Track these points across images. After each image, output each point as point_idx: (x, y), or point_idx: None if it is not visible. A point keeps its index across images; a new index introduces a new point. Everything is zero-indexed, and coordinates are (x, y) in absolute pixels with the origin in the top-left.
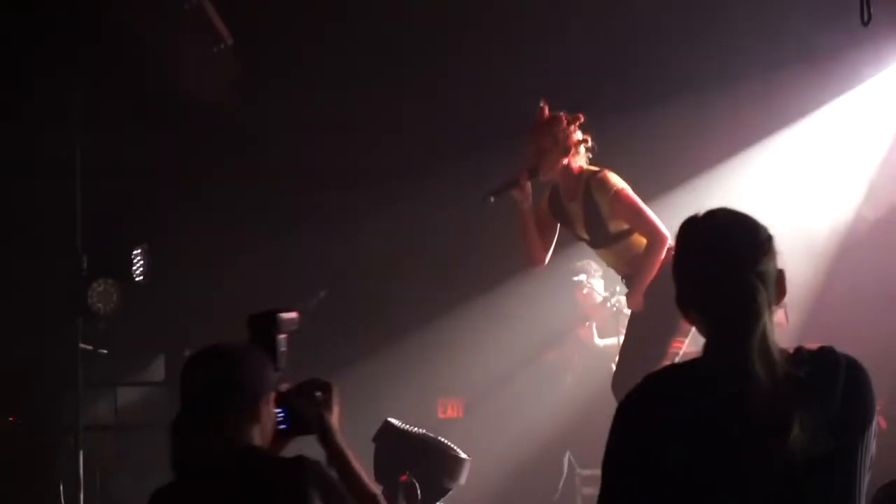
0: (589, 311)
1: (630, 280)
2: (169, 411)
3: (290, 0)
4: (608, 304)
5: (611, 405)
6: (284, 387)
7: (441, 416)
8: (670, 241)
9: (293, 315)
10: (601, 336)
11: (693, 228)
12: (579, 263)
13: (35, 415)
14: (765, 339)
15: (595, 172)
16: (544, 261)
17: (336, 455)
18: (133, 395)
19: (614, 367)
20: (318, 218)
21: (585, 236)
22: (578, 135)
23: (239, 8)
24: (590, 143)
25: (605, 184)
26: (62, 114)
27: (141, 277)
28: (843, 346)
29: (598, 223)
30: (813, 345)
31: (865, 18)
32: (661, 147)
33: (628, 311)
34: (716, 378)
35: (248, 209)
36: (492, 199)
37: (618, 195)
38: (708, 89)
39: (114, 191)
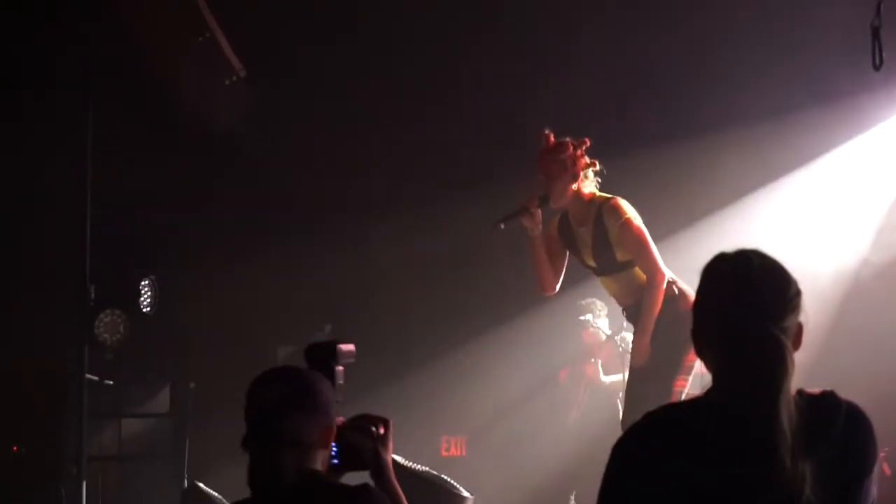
0: (594, 350)
1: (631, 311)
2: (173, 442)
3: (303, 32)
4: (615, 341)
5: None
6: (338, 420)
7: (444, 454)
8: (669, 275)
9: (351, 347)
10: (606, 373)
11: (724, 268)
12: (584, 302)
13: (39, 444)
14: (788, 391)
15: (607, 199)
16: (555, 287)
17: (390, 493)
18: (137, 426)
19: (620, 405)
20: (326, 251)
21: (592, 263)
22: (586, 159)
23: (252, 40)
24: (598, 167)
25: (616, 210)
26: (73, 141)
27: (148, 309)
28: (848, 391)
29: (605, 250)
30: (815, 389)
31: (877, 63)
32: (672, 187)
33: (629, 347)
34: (734, 422)
35: (257, 240)
36: (502, 226)
37: (627, 224)
38: (719, 130)
39: (123, 220)
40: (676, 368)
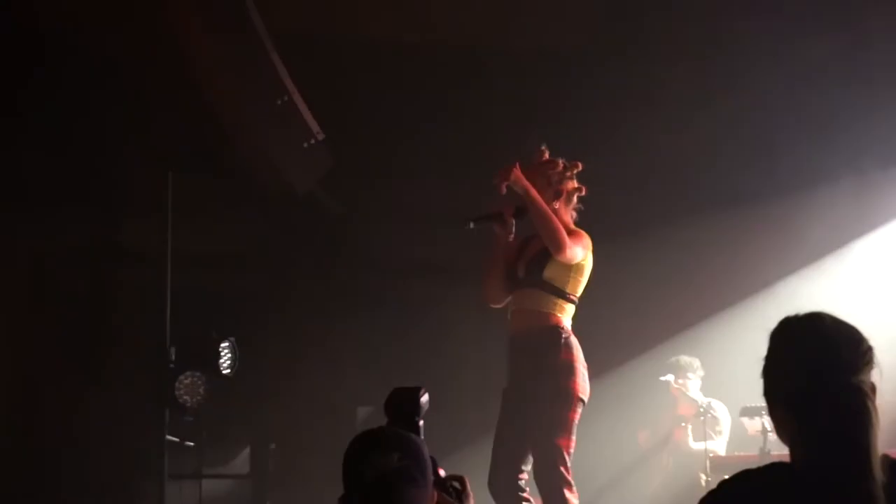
0: (682, 410)
1: (519, 343)
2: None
3: (381, 97)
4: (700, 411)
5: None
6: None
7: None
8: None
9: (427, 398)
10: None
11: (797, 328)
12: (684, 359)
13: None
14: (877, 450)
15: (579, 231)
16: (501, 301)
17: None
18: (218, 487)
19: (703, 476)
20: (404, 312)
21: (521, 273)
22: (574, 183)
23: (330, 103)
24: (584, 193)
25: (575, 231)
26: (155, 203)
27: (228, 371)
28: None
29: (538, 262)
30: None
31: None
32: (741, 253)
33: (717, 417)
34: (826, 487)
35: (335, 302)
36: (471, 225)
37: (576, 233)
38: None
39: (203, 282)
40: (561, 425)
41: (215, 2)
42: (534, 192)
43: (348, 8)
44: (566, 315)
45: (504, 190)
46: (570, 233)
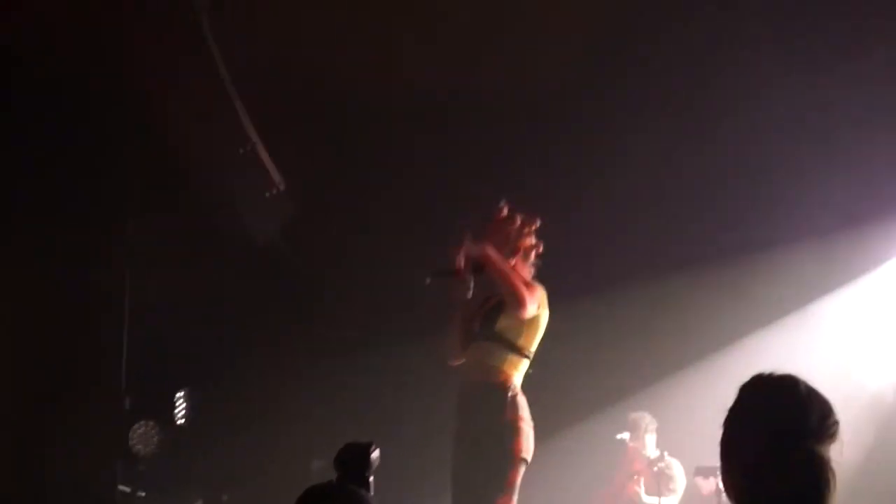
0: (636, 466)
1: (467, 395)
2: None
3: (343, 149)
4: (654, 467)
5: None
6: None
7: None
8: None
9: (378, 454)
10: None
11: (770, 387)
12: (634, 415)
13: None
14: None
15: (535, 286)
16: (460, 358)
17: None
18: None
19: None
20: (361, 365)
21: (476, 326)
22: (531, 240)
23: (293, 154)
24: (541, 250)
25: (526, 284)
26: (110, 252)
27: (183, 420)
28: None
29: (493, 315)
30: None
31: None
32: (705, 310)
33: (672, 475)
34: None
35: (292, 354)
36: (428, 280)
37: (527, 285)
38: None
39: (160, 330)
40: (501, 485)
41: (180, 50)
42: (490, 253)
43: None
44: (517, 371)
45: (463, 267)
46: (525, 286)
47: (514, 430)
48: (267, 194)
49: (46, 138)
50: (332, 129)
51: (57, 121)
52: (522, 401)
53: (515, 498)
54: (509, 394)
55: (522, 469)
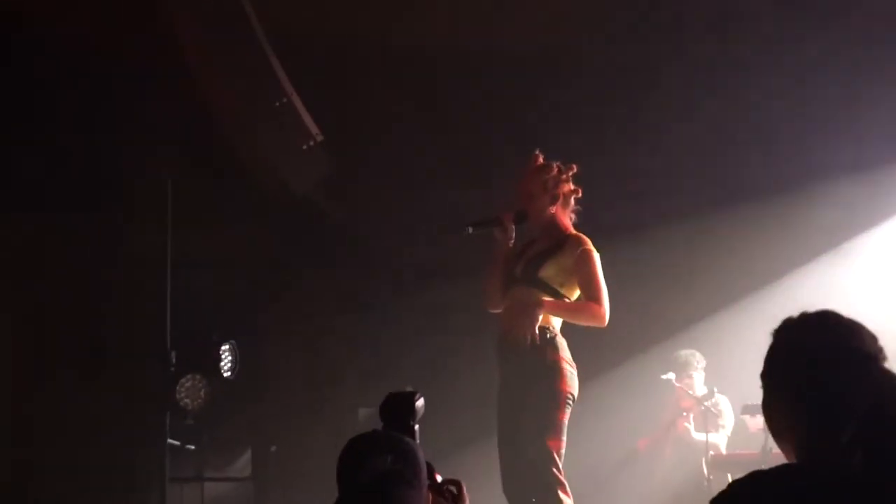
0: (684, 404)
1: (504, 339)
2: None
3: (383, 101)
4: (702, 405)
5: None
6: None
7: None
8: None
9: (422, 403)
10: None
11: (814, 320)
12: (683, 352)
13: None
14: None
15: (579, 235)
16: (500, 306)
17: None
18: (220, 490)
19: (706, 467)
20: (404, 315)
21: (517, 272)
22: (570, 185)
23: (330, 106)
24: (580, 195)
25: (581, 240)
26: (153, 207)
27: (229, 374)
28: None
29: (538, 262)
30: None
31: None
32: (744, 248)
33: (720, 411)
34: (866, 489)
35: (335, 305)
36: (470, 230)
37: (587, 253)
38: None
39: (203, 285)
40: (550, 426)
41: (213, 5)
42: (550, 304)
43: (348, 11)
44: (556, 318)
45: (505, 216)
46: (582, 257)
47: (557, 370)
48: (304, 147)
49: (86, 99)
50: (367, 83)
51: (93, 79)
52: (562, 342)
53: (565, 438)
54: (549, 335)
55: (569, 409)
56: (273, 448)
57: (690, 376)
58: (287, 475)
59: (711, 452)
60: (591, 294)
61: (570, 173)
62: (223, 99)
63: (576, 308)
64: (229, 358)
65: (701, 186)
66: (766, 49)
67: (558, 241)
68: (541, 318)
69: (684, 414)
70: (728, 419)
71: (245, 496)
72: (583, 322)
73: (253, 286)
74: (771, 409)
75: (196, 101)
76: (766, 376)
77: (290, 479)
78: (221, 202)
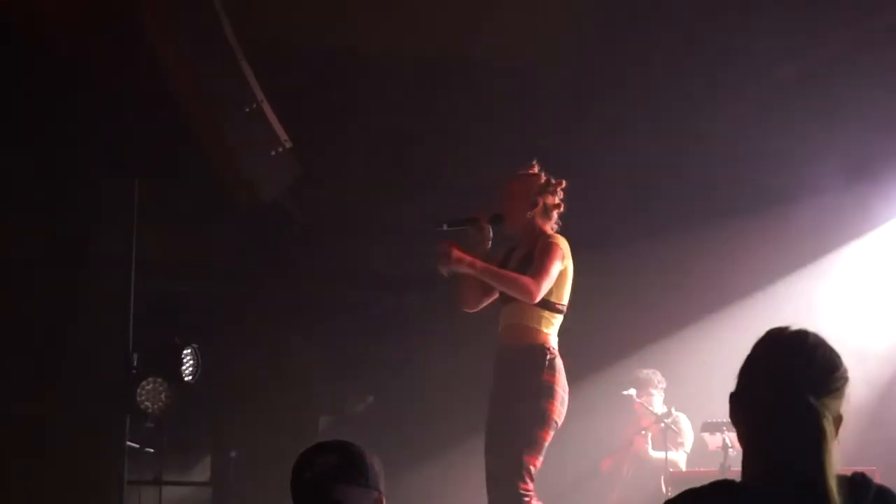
0: (644, 423)
1: (501, 355)
2: None
3: (352, 107)
4: (662, 423)
5: None
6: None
7: None
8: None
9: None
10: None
11: (779, 337)
12: (644, 372)
13: None
14: (832, 468)
15: (556, 234)
16: (476, 306)
17: None
18: (178, 494)
19: (664, 485)
20: (370, 322)
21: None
22: (555, 199)
23: (298, 112)
24: (562, 209)
25: (552, 235)
26: (118, 210)
27: (190, 378)
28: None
29: (520, 270)
30: (846, 470)
31: None
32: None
33: (679, 429)
34: (782, 497)
35: (299, 311)
36: (445, 227)
37: (550, 243)
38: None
39: (166, 288)
40: (531, 441)
41: (186, 9)
42: (478, 264)
43: (319, 19)
44: (553, 329)
45: (446, 274)
46: (545, 246)
47: (551, 391)
48: (273, 153)
49: (50, 101)
50: (340, 91)
51: (62, 79)
52: (559, 365)
53: (541, 459)
54: (548, 356)
55: (552, 432)
56: (233, 453)
57: (650, 394)
58: (246, 480)
59: (671, 469)
60: (532, 270)
61: (560, 187)
62: (192, 101)
63: (507, 277)
64: (191, 362)
65: (668, 206)
66: (744, 66)
67: (536, 243)
68: (460, 264)
69: (643, 432)
70: (688, 437)
71: (203, 500)
72: (511, 293)
73: (216, 290)
74: (732, 410)
75: (164, 102)
76: (737, 378)
77: (249, 485)
78: (189, 205)
